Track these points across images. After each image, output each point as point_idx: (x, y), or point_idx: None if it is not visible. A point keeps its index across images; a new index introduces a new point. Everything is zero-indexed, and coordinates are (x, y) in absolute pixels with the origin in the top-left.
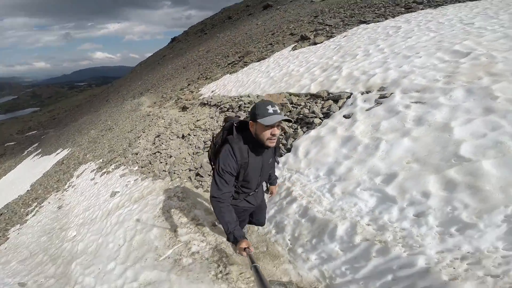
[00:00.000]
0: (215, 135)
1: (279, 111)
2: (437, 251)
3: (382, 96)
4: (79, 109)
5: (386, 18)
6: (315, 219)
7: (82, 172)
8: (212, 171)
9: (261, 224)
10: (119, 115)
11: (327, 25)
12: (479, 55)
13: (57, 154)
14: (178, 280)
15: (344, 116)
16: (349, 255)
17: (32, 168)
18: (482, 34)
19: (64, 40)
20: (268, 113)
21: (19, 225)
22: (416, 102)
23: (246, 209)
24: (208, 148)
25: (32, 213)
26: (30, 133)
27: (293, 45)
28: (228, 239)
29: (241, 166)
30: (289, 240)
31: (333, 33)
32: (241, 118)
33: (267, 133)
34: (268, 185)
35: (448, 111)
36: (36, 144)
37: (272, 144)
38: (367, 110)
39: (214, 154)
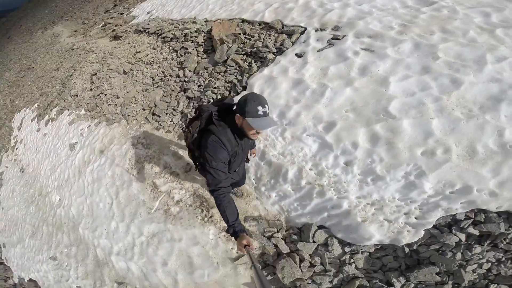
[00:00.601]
0: (190, 124)
1: (268, 110)
2: (356, 196)
3: (335, 37)
4: None
5: None
6: (271, 163)
7: (21, 123)
8: (192, 158)
9: (242, 184)
10: (33, 51)
11: None
12: (443, 7)
13: None
14: (175, 228)
15: (296, 55)
16: (298, 194)
17: None
18: None
19: None
20: (258, 115)
21: None
22: (365, 49)
23: (232, 184)
24: (185, 136)
25: None
26: None
27: None
28: (227, 231)
29: (232, 155)
30: (253, 180)
31: None
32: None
33: (253, 131)
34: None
35: (391, 64)
36: None
37: (255, 138)
38: (318, 51)
39: (197, 145)
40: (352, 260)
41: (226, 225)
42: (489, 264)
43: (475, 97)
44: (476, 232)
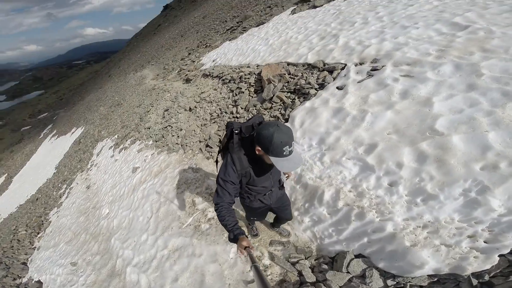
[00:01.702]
0: (221, 140)
1: (293, 148)
2: (403, 218)
3: (374, 69)
4: (84, 87)
5: None
6: (307, 185)
7: (100, 150)
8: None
9: (288, 219)
10: (124, 90)
11: None
12: (478, 29)
13: (72, 133)
14: (199, 243)
15: (337, 88)
16: (335, 218)
17: (52, 150)
18: (487, 6)
19: (49, 21)
20: (283, 155)
21: (56, 208)
22: (405, 76)
23: (261, 207)
24: (218, 150)
25: (65, 195)
26: (42, 115)
27: (292, 8)
28: (228, 238)
29: (242, 175)
30: None
31: None
32: (241, 121)
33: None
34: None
35: (433, 86)
36: (50, 126)
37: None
38: (358, 82)
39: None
40: None
41: (228, 236)
42: None
43: None
44: None
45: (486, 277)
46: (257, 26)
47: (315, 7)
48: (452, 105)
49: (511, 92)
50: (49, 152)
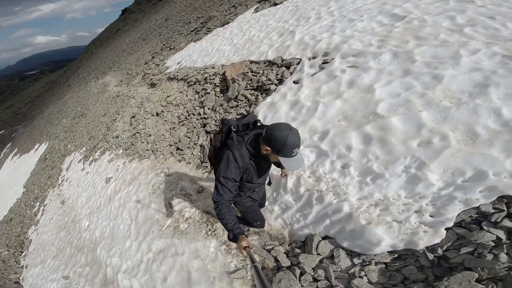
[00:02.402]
0: (213, 138)
1: (300, 149)
2: (357, 198)
3: (325, 62)
4: (41, 100)
5: None
6: (273, 176)
7: (69, 164)
8: (213, 172)
9: (262, 206)
10: (87, 99)
11: None
12: (413, 19)
13: (36, 150)
14: (180, 242)
15: (294, 82)
16: (299, 204)
17: (16, 169)
18: None
19: None
20: (292, 156)
21: (33, 226)
22: (351, 66)
23: (253, 205)
24: (208, 151)
25: (40, 213)
26: None
27: (256, 6)
28: (228, 237)
29: (243, 171)
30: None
31: None
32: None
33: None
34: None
35: (375, 74)
36: (10, 144)
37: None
38: (312, 75)
39: (215, 157)
40: (363, 273)
41: (227, 235)
42: None
43: (461, 86)
44: None
45: (440, 251)
46: (222, 26)
47: (275, 4)
48: (391, 90)
49: (440, 75)
50: (14, 171)
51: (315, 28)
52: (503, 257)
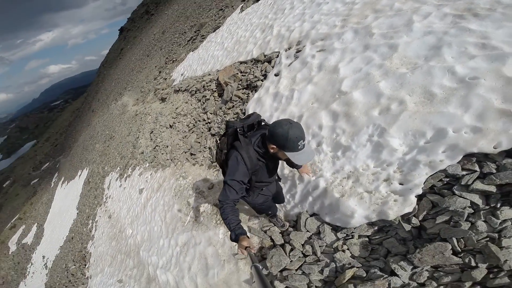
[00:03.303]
0: (219, 141)
1: (306, 141)
2: (331, 173)
3: (298, 50)
4: (73, 128)
5: None
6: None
7: (109, 183)
8: (222, 173)
9: (281, 202)
10: (111, 121)
11: None
12: None
13: (80, 176)
14: (197, 234)
15: (275, 75)
16: (287, 185)
17: (67, 194)
18: None
19: (4, 66)
20: (298, 149)
21: (90, 241)
22: (319, 51)
23: (265, 201)
24: (215, 154)
25: (94, 229)
26: (44, 166)
27: (241, 5)
28: (230, 237)
29: (252, 173)
30: None
31: None
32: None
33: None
34: (297, 169)
35: (339, 54)
36: (57, 174)
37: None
38: (288, 65)
39: (223, 160)
40: (345, 247)
41: (229, 235)
42: None
43: (416, 52)
44: (492, 188)
45: (415, 221)
46: (214, 31)
47: (257, 0)
48: (353, 66)
49: (395, 44)
50: (65, 197)
51: (289, 19)
52: (481, 225)
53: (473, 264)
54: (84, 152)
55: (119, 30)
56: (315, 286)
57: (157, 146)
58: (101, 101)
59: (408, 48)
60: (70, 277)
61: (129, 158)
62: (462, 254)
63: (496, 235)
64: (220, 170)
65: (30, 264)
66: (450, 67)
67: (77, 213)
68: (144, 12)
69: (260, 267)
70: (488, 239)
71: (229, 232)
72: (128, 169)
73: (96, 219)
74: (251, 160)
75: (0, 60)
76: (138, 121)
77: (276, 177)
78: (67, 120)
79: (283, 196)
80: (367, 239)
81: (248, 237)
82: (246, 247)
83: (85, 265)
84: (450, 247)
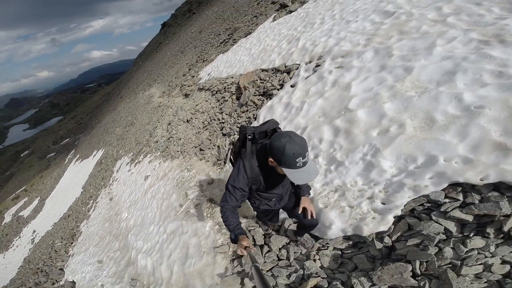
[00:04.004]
0: (234, 143)
1: (307, 159)
2: (321, 184)
3: (318, 65)
4: (99, 110)
5: None
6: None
7: (119, 167)
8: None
9: (314, 225)
10: (136, 109)
11: None
12: (401, 14)
13: (94, 156)
14: (186, 223)
15: (291, 86)
16: None
17: (77, 172)
18: None
19: (54, 46)
20: (297, 166)
21: (85, 220)
22: (338, 67)
23: (268, 210)
24: (229, 154)
25: (92, 209)
26: (64, 141)
27: (274, 15)
28: (230, 238)
29: (252, 182)
30: None
31: None
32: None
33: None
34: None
35: (355, 72)
36: (73, 151)
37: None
38: (305, 78)
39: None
40: (317, 257)
41: (229, 236)
42: (507, 266)
43: (430, 76)
44: (469, 218)
45: (388, 241)
46: (245, 36)
47: (291, 12)
48: (365, 85)
49: (411, 67)
50: (75, 174)
51: (317, 33)
52: (448, 251)
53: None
54: (104, 133)
55: (161, 24)
56: None
57: (171, 137)
58: (131, 89)
59: (423, 72)
60: (52, 253)
61: (144, 145)
62: (420, 278)
63: (459, 262)
64: (224, 167)
65: (18, 237)
66: (458, 94)
67: (81, 192)
68: (187, 10)
69: (260, 267)
70: (450, 265)
71: (229, 233)
72: (140, 155)
73: (97, 200)
74: (252, 170)
75: (53, 41)
76: (159, 112)
77: (290, 191)
78: (96, 103)
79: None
80: (340, 252)
81: (247, 237)
82: (246, 247)
83: (72, 243)
84: (411, 269)
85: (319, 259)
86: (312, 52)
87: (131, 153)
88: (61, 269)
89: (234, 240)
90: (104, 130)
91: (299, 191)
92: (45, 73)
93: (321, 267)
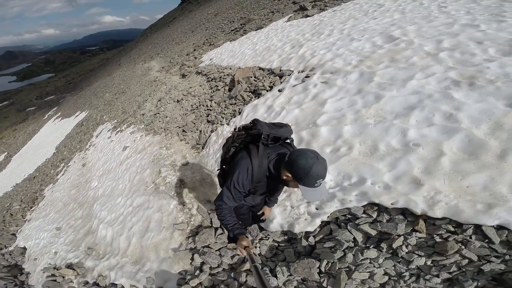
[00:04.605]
0: (235, 134)
1: (325, 180)
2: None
3: (307, 76)
4: (93, 73)
5: None
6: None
7: (100, 132)
8: (220, 169)
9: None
10: (130, 79)
11: None
12: (402, 41)
13: (76, 116)
14: (153, 199)
15: (278, 90)
16: None
17: (54, 131)
18: (436, 19)
19: (70, 6)
20: (315, 186)
21: (51, 184)
22: (323, 82)
23: (245, 211)
24: (228, 140)
25: (61, 173)
26: (49, 98)
27: (290, 15)
28: (228, 238)
29: (255, 185)
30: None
31: (327, 6)
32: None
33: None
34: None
35: (335, 91)
36: (56, 108)
37: None
38: (293, 86)
39: (231, 156)
40: (258, 245)
41: (227, 236)
42: (386, 277)
43: (393, 108)
44: (372, 232)
45: (311, 239)
46: (256, 30)
47: (307, 16)
48: (337, 105)
49: (381, 96)
50: (51, 133)
51: (319, 44)
52: (349, 257)
53: (324, 285)
54: (92, 96)
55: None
56: (223, 267)
57: (158, 113)
58: (131, 58)
59: (389, 102)
60: (7, 216)
61: (129, 115)
62: (323, 275)
63: (354, 267)
64: (200, 152)
65: None
66: (405, 129)
67: (54, 152)
68: None
69: (260, 267)
70: (347, 269)
71: (227, 232)
72: (123, 124)
73: (69, 164)
74: (259, 174)
75: (69, 1)
76: (153, 86)
77: (267, 197)
78: (92, 66)
79: (276, 198)
80: (276, 244)
81: (247, 237)
82: (246, 246)
83: (31, 208)
84: (318, 266)
85: (259, 247)
86: (308, 62)
87: (115, 121)
88: (13, 234)
89: (233, 239)
90: (93, 93)
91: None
92: (50, 30)
93: (259, 254)
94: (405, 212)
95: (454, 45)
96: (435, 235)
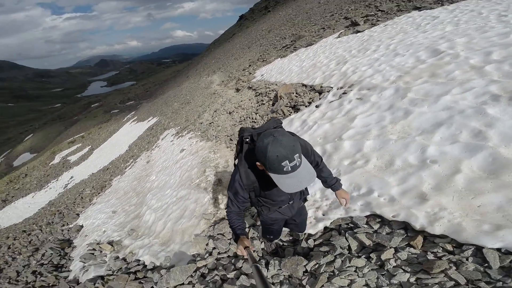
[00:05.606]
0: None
1: (298, 161)
2: None
3: (345, 92)
4: (166, 84)
5: (443, 4)
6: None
7: (165, 136)
8: None
9: (302, 231)
10: (195, 91)
11: (379, 10)
12: (447, 55)
13: (149, 121)
14: (193, 192)
15: (316, 106)
16: None
17: (130, 132)
18: (491, 29)
19: (148, 21)
20: (284, 171)
21: (119, 176)
22: (358, 99)
23: (278, 219)
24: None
25: (129, 167)
26: (129, 103)
27: (341, 31)
28: (232, 238)
29: (250, 190)
30: None
31: (378, 21)
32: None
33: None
34: (333, 190)
35: (368, 107)
36: (133, 112)
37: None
38: (330, 102)
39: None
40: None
41: (232, 236)
42: None
43: (420, 124)
44: (367, 242)
45: (311, 242)
46: (306, 47)
47: (357, 32)
48: (366, 121)
49: (410, 111)
50: (127, 133)
51: (363, 61)
52: (338, 262)
53: (304, 283)
54: (163, 104)
55: (239, 16)
56: (229, 254)
57: (212, 122)
58: (197, 71)
59: (417, 119)
60: (78, 199)
61: (190, 123)
62: (307, 274)
63: (338, 272)
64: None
65: (56, 180)
66: (426, 146)
67: (126, 150)
68: (264, 7)
69: (260, 267)
70: (332, 272)
71: (232, 234)
72: (185, 131)
73: (137, 160)
74: (247, 176)
75: (148, 16)
76: (212, 98)
77: (300, 197)
78: (166, 76)
79: (305, 225)
80: (281, 243)
81: (248, 238)
82: (246, 247)
83: (99, 193)
84: (305, 264)
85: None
86: (349, 78)
87: (179, 127)
88: (77, 214)
89: (235, 239)
90: (164, 102)
91: (328, 184)
92: (134, 42)
93: (262, 249)
94: (407, 227)
95: (504, 57)
96: (429, 253)
